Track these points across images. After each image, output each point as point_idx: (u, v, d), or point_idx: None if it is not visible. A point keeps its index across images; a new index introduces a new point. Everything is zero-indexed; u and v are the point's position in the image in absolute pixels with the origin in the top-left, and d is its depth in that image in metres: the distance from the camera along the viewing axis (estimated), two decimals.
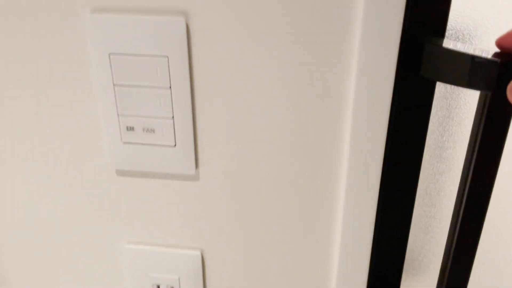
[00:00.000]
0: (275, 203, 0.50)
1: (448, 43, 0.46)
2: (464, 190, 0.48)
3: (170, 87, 0.43)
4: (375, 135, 0.45)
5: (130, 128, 0.46)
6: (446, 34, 0.48)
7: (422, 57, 0.46)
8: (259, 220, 0.51)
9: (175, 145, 0.46)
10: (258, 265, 0.54)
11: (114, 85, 0.44)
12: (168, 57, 0.42)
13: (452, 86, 0.59)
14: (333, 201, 0.49)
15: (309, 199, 0.49)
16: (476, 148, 0.45)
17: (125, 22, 0.41)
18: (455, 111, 0.56)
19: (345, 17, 0.40)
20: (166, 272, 0.54)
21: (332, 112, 0.45)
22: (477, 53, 0.42)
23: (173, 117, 0.45)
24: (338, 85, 0.43)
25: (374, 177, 0.48)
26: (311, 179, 0.48)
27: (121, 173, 0.50)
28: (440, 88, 0.55)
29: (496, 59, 0.40)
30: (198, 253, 0.53)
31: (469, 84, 0.43)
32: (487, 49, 0.42)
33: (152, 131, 0.46)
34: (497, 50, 0.41)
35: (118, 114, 0.45)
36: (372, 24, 0.39)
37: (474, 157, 0.45)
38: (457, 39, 0.54)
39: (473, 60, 0.42)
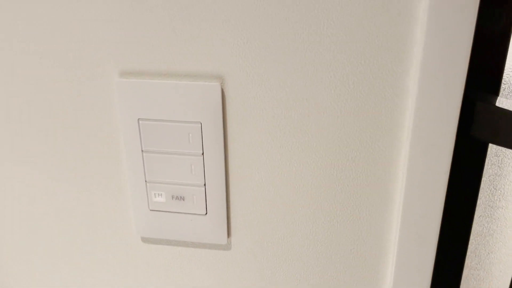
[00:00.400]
0: (312, 278, 0.46)
1: (502, 101, 0.42)
2: None
3: (203, 153, 0.40)
4: (431, 204, 0.41)
5: (158, 195, 0.43)
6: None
7: (474, 116, 0.43)
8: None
9: (206, 213, 0.43)
10: None
11: (142, 151, 0.41)
12: (201, 123, 0.39)
13: None
14: (379, 274, 0.45)
15: (352, 274, 0.45)
16: None
17: (155, 86, 0.38)
18: (507, 169, 0.51)
19: (400, 82, 0.37)
20: None
21: (382, 181, 0.41)
22: None
23: (205, 184, 0.41)
24: (390, 154, 0.39)
25: (429, 244, 0.43)
26: (355, 255, 0.44)
27: (147, 240, 0.47)
28: (492, 144, 0.51)
29: None
30: None
31: None
32: None
33: (182, 198, 0.42)
34: None
35: (146, 181, 0.42)
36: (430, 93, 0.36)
37: None
38: (510, 94, 0.50)
39: None
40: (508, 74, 0.47)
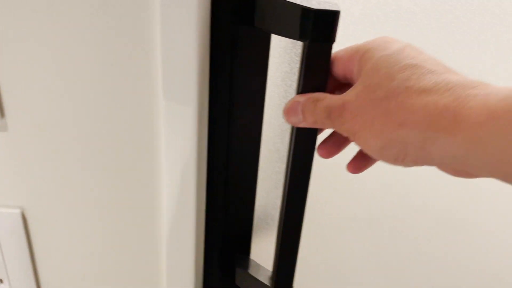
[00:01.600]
0: (95, 157, 0.47)
1: None
2: (291, 144, 0.46)
3: None
4: (188, 92, 0.44)
5: None
6: None
7: (255, 5, 0.45)
8: (80, 175, 0.48)
9: None
10: (85, 221, 0.52)
11: None
12: None
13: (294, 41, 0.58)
14: (156, 152, 0.47)
15: (130, 151, 0.47)
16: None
17: None
18: (297, 66, 0.56)
19: None
20: None
21: (142, 63, 0.42)
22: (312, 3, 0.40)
23: None
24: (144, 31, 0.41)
25: (191, 137, 0.46)
26: (131, 131, 0.46)
27: None
28: (277, 42, 0.54)
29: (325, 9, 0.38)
30: (18, 211, 0.49)
31: (301, 36, 0.42)
32: None
33: None
34: None
35: None
36: None
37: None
38: None
39: (304, 10, 0.39)
40: None
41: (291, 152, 0.43)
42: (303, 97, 0.38)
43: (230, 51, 0.48)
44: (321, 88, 0.41)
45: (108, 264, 0.53)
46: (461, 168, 0.31)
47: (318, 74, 0.41)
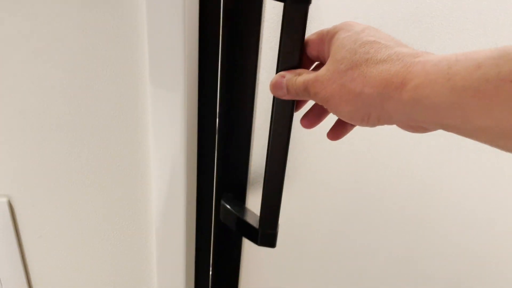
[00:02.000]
0: (81, 144, 0.47)
1: None
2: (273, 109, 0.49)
3: None
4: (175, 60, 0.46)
5: None
6: None
7: None
8: (67, 162, 0.48)
9: None
10: (72, 209, 0.52)
11: None
12: None
13: None
14: (144, 128, 0.49)
15: (117, 137, 0.47)
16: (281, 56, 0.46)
17: None
18: None
19: None
20: None
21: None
22: None
23: None
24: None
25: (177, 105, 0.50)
26: (117, 118, 0.47)
27: None
28: (271, 8, 0.58)
29: None
30: (5, 200, 0.50)
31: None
32: None
33: None
34: None
35: None
36: None
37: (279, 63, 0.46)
38: None
39: None
40: None
41: (272, 117, 0.48)
42: (287, 73, 0.44)
43: (221, 15, 0.51)
44: (299, 46, 0.45)
45: (97, 249, 0.54)
46: (414, 123, 0.37)
47: (296, 33, 0.45)
